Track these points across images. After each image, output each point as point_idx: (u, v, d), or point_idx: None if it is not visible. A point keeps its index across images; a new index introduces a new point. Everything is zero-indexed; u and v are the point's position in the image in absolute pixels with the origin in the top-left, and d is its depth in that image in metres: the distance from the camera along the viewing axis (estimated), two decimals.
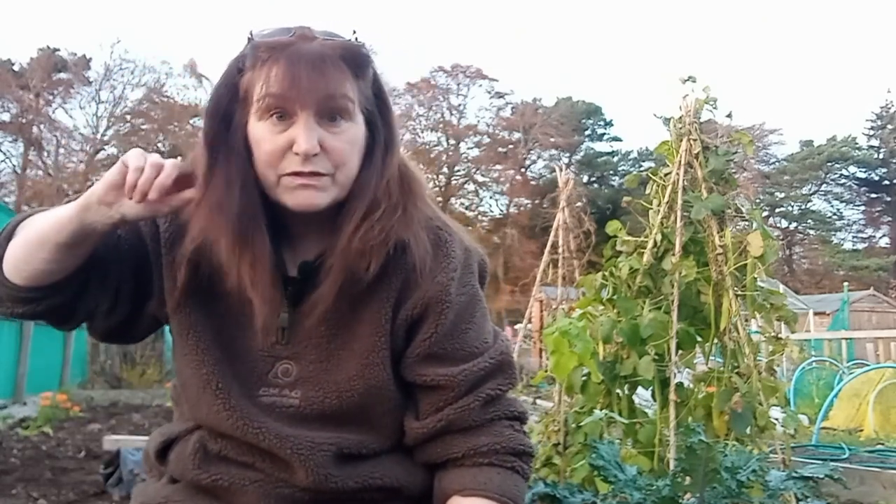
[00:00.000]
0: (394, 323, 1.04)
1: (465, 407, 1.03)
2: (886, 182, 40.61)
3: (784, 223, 40.91)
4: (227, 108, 0.99)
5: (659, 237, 2.70)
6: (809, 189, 41.42)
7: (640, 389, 2.69)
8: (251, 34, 0.99)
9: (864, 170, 40.83)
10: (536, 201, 35.94)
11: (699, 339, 2.68)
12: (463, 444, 1.04)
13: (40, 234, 0.96)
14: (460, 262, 1.08)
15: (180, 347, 1.05)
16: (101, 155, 36.77)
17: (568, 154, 41.66)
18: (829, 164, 40.23)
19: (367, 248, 0.99)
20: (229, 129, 0.99)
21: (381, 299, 1.04)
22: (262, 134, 0.97)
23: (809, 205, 41.47)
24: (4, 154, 34.87)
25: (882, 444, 5.06)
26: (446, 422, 1.04)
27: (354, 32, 1.00)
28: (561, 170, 5.77)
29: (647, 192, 2.89)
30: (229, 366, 1.03)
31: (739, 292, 2.55)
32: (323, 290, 0.99)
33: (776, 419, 2.56)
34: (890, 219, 41.10)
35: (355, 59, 0.98)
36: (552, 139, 39.86)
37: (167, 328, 1.10)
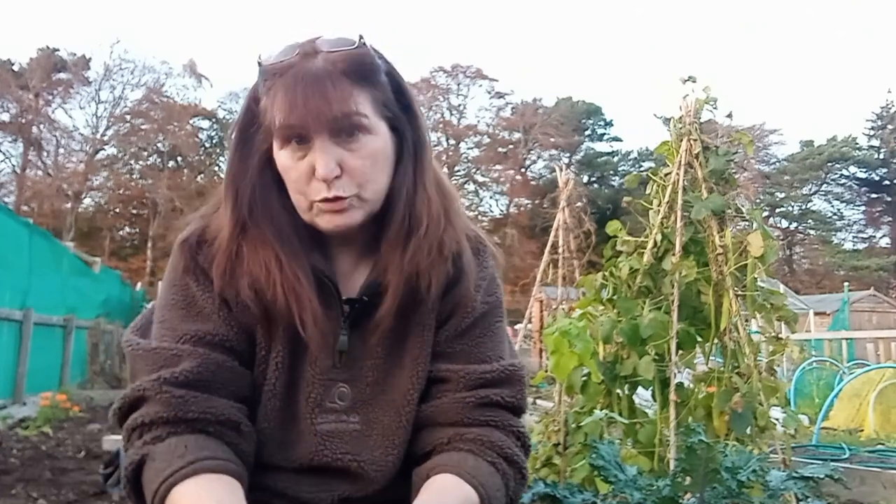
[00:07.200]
0: (436, 329, 1.05)
1: (460, 401, 1.02)
2: (887, 182, 40.62)
3: (784, 223, 40.93)
4: (251, 138, 0.99)
5: (659, 237, 2.70)
6: (809, 189, 41.43)
7: (640, 389, 2.68)
8: (259, 59, 0.96)
9: (864, 170, 40.83)
10: (536, 201, 35.97)
11: (699, 339, 2.67)
12: (451, 432, 1.02)
13: None
14: (491, 272, 1.10)
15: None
16: (100, 155, 36.83)
17: (568, 154, 41.69)
18: (830, 164, 40.25)
19: (424, 266, 0.99)
20: (252, 160, 0.98)
21: (428, 310, 1.04)
22: (286, 162, 0.95)
23: (810, 205, 41.49)
24: (4, 154, 34.95)
25: (882, 444, 5.05)
26: (439, 411, 1.03)
27: (361, 38, 0.96)
28: (561, 170, 5.80)
29: (648, 192, 2.89)
30: (288, 397, 1.02)
31: (739, 292, 2.55)
32: (382, 310, 0.99)
33: (776, 419, 2.56)
34: (890, 219, 41.09)
35: (361, 70, 0.94)
36: (552, 139, 39.91)
37: None
